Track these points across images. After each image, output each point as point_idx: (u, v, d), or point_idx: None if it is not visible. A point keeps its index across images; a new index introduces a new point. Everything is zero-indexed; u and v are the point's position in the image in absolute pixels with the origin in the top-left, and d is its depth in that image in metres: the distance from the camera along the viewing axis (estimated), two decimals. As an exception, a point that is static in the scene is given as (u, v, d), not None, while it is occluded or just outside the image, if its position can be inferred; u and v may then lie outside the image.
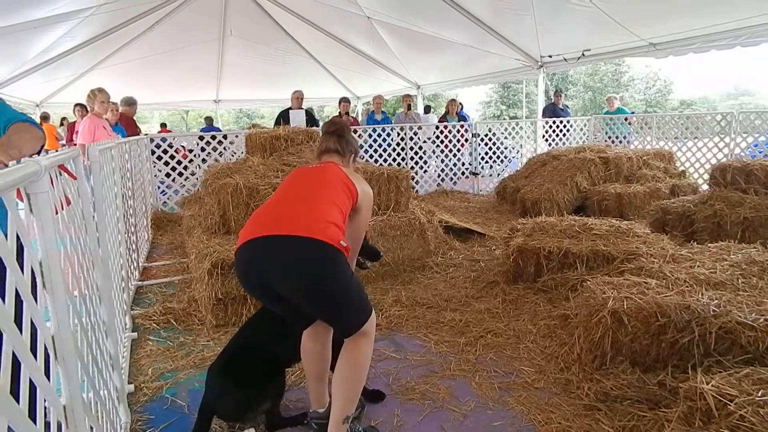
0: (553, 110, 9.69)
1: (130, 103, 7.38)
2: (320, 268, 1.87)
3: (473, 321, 3.35)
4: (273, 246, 1.89)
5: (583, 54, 8.68)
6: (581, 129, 9.63)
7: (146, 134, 7.91)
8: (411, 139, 8.33)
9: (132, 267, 4.10)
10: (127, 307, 3.40)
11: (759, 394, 1.68)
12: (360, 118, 11.06)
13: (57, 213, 1.36)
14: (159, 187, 7.23)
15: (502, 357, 2.87)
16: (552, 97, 9.94)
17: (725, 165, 5.07)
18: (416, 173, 8.48)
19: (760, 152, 7.09)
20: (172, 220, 6.67)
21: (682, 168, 7.68)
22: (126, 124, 7.36)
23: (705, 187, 6.23)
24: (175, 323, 3.44)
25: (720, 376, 1.83)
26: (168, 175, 7.15)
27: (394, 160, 8.28)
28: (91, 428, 1.48)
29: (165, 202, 7.26)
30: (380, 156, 8.14)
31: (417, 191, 8.34)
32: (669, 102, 35.65)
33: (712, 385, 1.76)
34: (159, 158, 7.04)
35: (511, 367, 2.75)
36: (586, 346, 2.64)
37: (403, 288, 4.03)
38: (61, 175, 1.63)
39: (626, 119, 9.26)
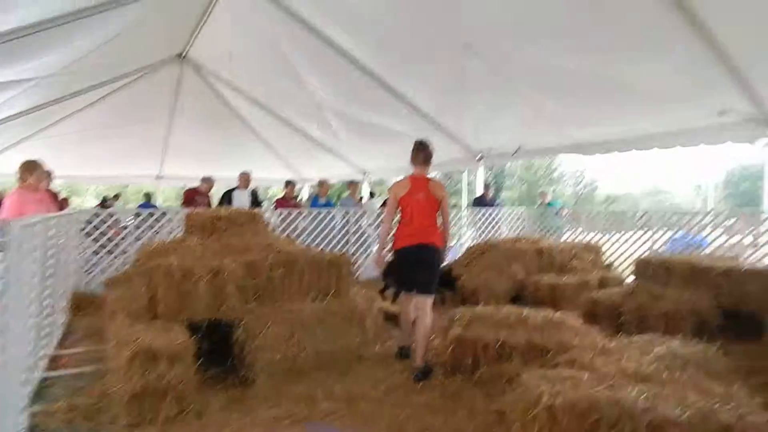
0: (480, 202, 10.22)
1: (205, 179, 8.64)
2: (438, 262, 4.27)
3: (412, 416, 3.23)
4: (422, 248, 4.14)
5: (518, 149, 9.34)
6: (517, 220, 10.11)
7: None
8: (356, 223, 8.42)
9: (37, 357, 3.71)
10: (24, 405, 3.02)
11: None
12: (304, 201, 11.12)
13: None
14: (85, 266, 6.80)
15: (438, 457, 2.74)
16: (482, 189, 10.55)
17: (647, 260, 5.43)
18: (359, 259, 8.48)
19: (677, 248, 7.63)
20: (94, 302, 6.19)
21: (608, 261, 8.12)
22: (193, 197, 8.33)
23: (630, 279, 6.57)
24: (82, 421, 3.09)
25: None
26: (96, 252, 6.76)
27: (338, 243, 8.27)
28: None
29: (89, 282, 6.78)
30: (323, 239, 8.12)
31: (359, 277, 8.29)
32: (596, 197, 38.42)
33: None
34: (88, 234, 6.69)
35: (447, 468, 2.63)
36: (522, 444, 2.58)
37: (339, 380, 3.86)
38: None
39: (558, 212, 9.83)
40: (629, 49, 5.59)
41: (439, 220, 4.27)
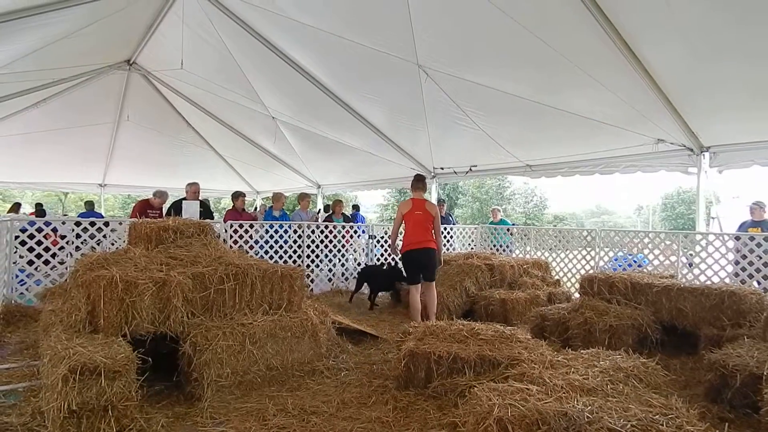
0: None
1: (158, 194, 8.22)
2: (435, 260, 5.90)
3: (365, 431, 3.19)
4: (423, 251, 5.81)
5: (470, 169, 9.57)
6: (469, 236, 10.30)
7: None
8: (309, 237, 8.32)
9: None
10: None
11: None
12: (256, 212, 10.87)
13: None
14: (17, 276, 6.35)
15: (390, 472, 2.72)
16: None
17: (592, 276, 5.64)
18: (312, 271, 8.37)
19: (619, 266, 7.99)
20: (27, 314, 5.80)
21: (557, 277, 8.40)
22: (145, 210, 8.03)
23: (576, 295, 6.80)
24: (10, 442, 2.87)
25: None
26: (31, 262, 6.33)
27: (290, 257, 8.15)
28: None
29: (22, 294, 6.35)
30: (276, 252, 7.98)
31: (312, 290, 8.19)
32: (545, 216, 39.80)
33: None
34: (23, 243, 6.27)
35: (399, 483, 2.60)
36: (474, 457, 2.59)
37: (291, 395, 3.78)
38: None
39: (508, 230, 10.10)
40: (573, 76, 5.87)
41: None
